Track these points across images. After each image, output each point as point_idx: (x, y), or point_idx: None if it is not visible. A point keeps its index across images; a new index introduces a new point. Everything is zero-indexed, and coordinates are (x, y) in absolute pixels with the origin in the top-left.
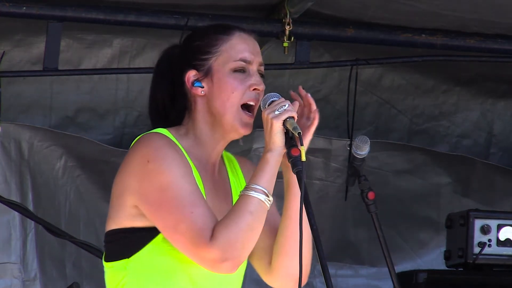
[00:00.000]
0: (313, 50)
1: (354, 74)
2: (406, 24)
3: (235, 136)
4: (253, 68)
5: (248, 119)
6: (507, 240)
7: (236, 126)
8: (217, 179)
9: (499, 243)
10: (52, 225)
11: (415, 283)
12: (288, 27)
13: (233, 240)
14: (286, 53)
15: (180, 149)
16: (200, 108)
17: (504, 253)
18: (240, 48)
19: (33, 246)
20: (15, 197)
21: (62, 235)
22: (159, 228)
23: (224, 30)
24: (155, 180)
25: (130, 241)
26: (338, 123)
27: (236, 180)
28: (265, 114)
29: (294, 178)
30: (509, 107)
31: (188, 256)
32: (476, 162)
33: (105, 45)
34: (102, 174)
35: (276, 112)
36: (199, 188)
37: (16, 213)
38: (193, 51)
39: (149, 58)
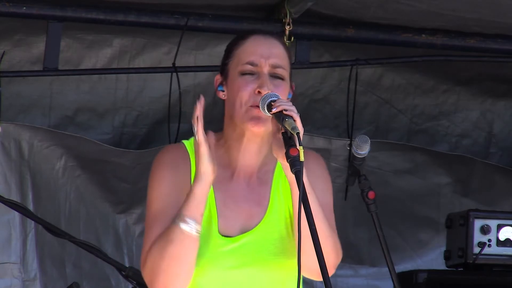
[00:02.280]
0: (313, 50)
1: (354, 74)
2: (406, 24)
3: (250, 136)
4: (263, 70)
5: (256, 112)
6: (507, 240)
7: (246, 124)
8: (251, 184)
9: (499, 243)
10: (52, 225)
11: (415, 283)
12: (288, 27)
13: (156, 269)
14: None
15: (185, 162)
16: (225, 112)
17: (504, 253)
18: (250, 52)
19: (33, 246)
20: (15, 197)
21: (62, 235)
22: None
23: (243, 34)
24: (147, 198)
25: None
26: (338, 122)
27: (282, 186)
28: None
29: (293, 180)
30: (509, 107)
31: None
32: (476, 162)
33: (105, 45)
34: (102, 174)
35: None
36: (174, 207)
37: (16, 213)
38: (223, 56)
39: (149, 58)
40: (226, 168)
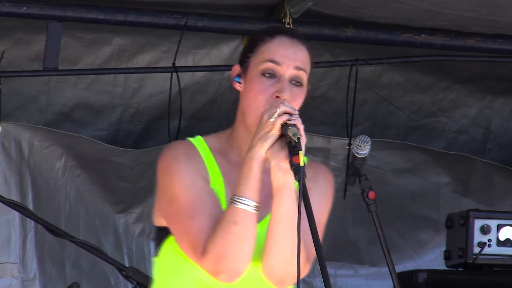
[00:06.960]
0: (313, 50)
1: (353, 74)
2: (406, 23)
3: None
4: (284, 72)
5: None
6: (507, 240)
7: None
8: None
9: (499, 243)
10: (52, 225)
11: (415, 283)
12: (288, 27)
13: (223, 253)
14: None
15: (198, 156)
16: (240, 104)
17: (504, 253)
18: (273, 50)
19: (33, 246)
20: (15, 197)
21: (62, 235)
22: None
23: (271, 31)
24: (165, 194)
25: (158, 240)
26: (336, 120)
27: None
28: (265, 116)
29: (283, 182)
30: (508, 104)
31: None
32: (476, 161)
33: (104, 44)
34: (102, 173)
35: (274, 116)
36: (206, 195)
37: (16, 213)
38: (244, 48)
39: (148, 56)
40: (232, 164)
